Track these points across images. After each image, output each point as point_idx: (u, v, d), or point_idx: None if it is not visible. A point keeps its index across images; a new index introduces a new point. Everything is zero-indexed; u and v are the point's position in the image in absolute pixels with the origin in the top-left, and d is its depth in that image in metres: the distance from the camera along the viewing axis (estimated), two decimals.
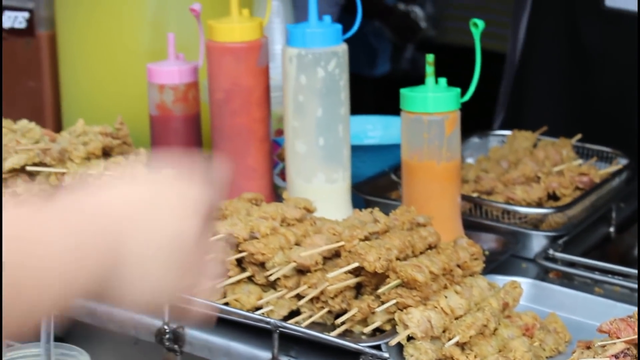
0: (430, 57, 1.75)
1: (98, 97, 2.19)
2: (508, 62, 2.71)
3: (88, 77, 2.20)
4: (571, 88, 2.52)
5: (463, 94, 1.76)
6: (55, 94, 2.27)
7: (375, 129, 2.31)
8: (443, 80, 1.76)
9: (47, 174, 1.79)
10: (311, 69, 1.79)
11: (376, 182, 1.99)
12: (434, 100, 1.72)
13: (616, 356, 1.33)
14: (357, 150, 2.11)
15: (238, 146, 1.87)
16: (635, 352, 1.33)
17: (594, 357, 1.34)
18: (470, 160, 2.18)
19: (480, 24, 1.77)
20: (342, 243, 1.55)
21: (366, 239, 1.57)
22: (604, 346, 1.36)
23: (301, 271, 1.55)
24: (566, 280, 1.75)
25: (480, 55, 1.78)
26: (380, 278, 1.52)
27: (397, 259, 1.53)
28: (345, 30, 1.86)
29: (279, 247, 1.57)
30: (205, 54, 1.89)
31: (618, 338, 1.34)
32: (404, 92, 1.74)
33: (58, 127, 2.21)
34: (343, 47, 1.81)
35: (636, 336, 1.34)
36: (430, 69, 1.74)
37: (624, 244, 2.03)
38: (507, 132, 2.21)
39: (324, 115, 1.81)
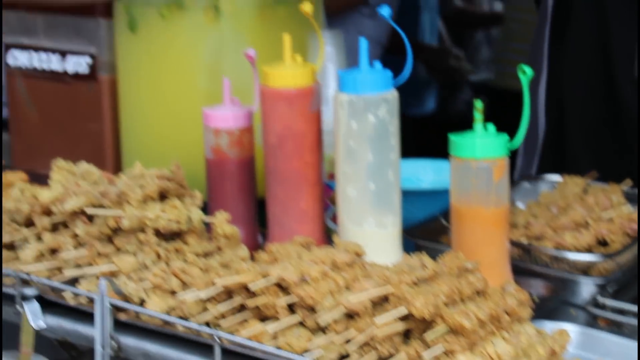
0: (478, 104, 1.74)
1: (156, 140, 2.21)
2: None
3: (147, 121, 2.22)
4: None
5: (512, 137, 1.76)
6: (116, 136, 2.29)
7: (427, 173, 2.30)
8: (492, 126, 1.75)
9: (104, 216, 1.80)
10: (362, 115, 1.78)
11: (427, 227, 1.98)
12: (481, 147, 1.71)
13: None
14: (409, 195, 2.11)
15: (291, 189, 1.87)
16: None
17: None
18: (520, 205, 2.15)
19: (529, 70, 1.76)
20: (390, 289, 1.54)
21: (414, 284, 1.56)
22: None
23: (350, 315, 1.54)
24: (615, 328, 1.71)
25: (528, 102, 1.77)
26: (428, 323, 1.51)
27: (445, 304, 1.52)
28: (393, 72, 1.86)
29: (328, 291, 1.56)
30: (260, 99, 1.90)
31: None
32: (452, 137, 1.74)
33: (118, 169, 2.22)
34: (393, 94, 1.81)
35: None
36: (478, 115, 1.73)
37: None
38: (558, 178, 2.19)
39: (374, 160, 1.80)
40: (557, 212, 2.02)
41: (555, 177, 2.21)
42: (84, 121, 2.33)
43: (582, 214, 1.98)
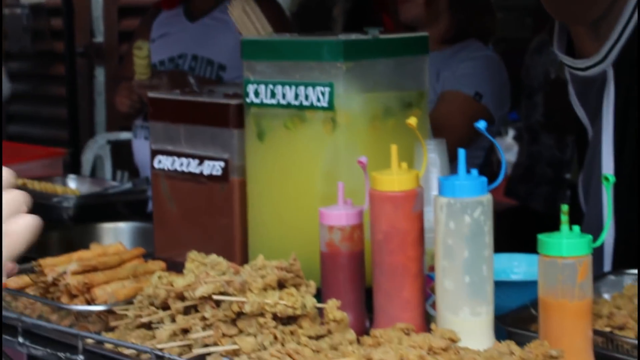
0: (564, 207, 1.73)
1: (278, 235, 2.22)
2: None
3: (270, 218, 2.24)
4: None
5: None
6: (244, 231, 2.32)
7: (520, 266, 2.27)
8: (577, 227, 1.73)
9: (229, 302, 1.82)
10: (459, 216, 1.78)
11: (518, 315, 1.95)
12: (567, 246, 1.70)
13: None
14: (503, 285, 2.08)
15: (395, 281, 1.87)
16: None
17: None
18: (606, 296, 2.11)
19: (612, 178, 1.74)
20: None
21: None
22: None
23: None
24: None
25: (611, 205, 1.75)
26: None
27: None
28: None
29: None
30: (369, 200, 1.91)
31: None
32: (540, 237, 1.72)
33: (245, 260, 2.24)
34: (488, 197, 1.80)
35: None
36: (564, 218, 1.72)
37: None
38: None
39: (469, 256, 1.79)
40: None
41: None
42: (216, 217, 2.37)
43: None
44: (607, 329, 1.89)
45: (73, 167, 5.37)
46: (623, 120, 2.47)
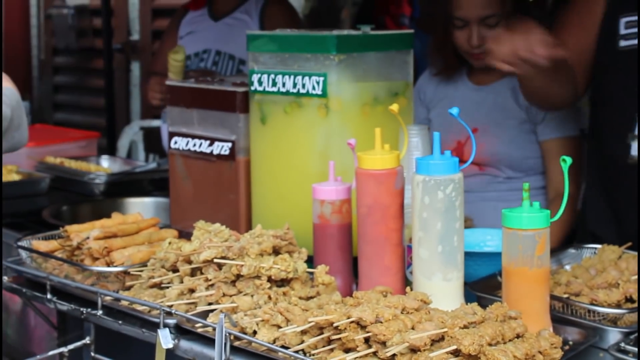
0: (526, 185, 1.73)
1: (277, 208, 2.24)
2: None
3: (271, 192, 2.25)
4: None
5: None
6: (248, 204, 2.33)
7: (493, 239, 2.27)
8: (537, 204, 1.73)
9: (229, 265, 1.84)
10: (433, 192, 1.78)
11: (487, 282, 1.95)
12: (527, 220, 1.69)
13: None
14: (476, 256, 2.09)
15: (377, 249, 1.87)
16: None
17: None
18: (567, 267, 2.11)
19: (568, 160, 1.74)
20: (445, 329, 1.53)
21: (465, 327, 1.55)
22: None
23: (413, 350, 1.54)
24: None
25: (568, 186, 1.75)
26: (474, 358, 1.49)
27: (489, 344, 1.50)
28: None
29: (397, 330, 1.56)
30: (356, 177, 1.91)
31: None
32: (504, 211, 1.72)
33: (249, 229, 2.23)
34: (459, 176, 1.80)
35: None
36: (526, 194, 1.72)
37: None
38: (599, 246, 2.14)
39: (442, 228, 1.79)
40: (595, 274, 1.98)
41: (597, 245, 2.16)
42: (224, 191, 2.38)
43: (615, 276, 1.94)
44: (565, 295, 1.89)
45: (110, 150, 5.41)
46: None
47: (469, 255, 2.04)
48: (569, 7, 2.54)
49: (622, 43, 2.36)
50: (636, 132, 2.35)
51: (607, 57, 2.36)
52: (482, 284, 1.94)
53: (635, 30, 2.33)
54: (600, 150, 2.52)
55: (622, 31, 2.36)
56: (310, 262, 1.96)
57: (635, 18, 2.34)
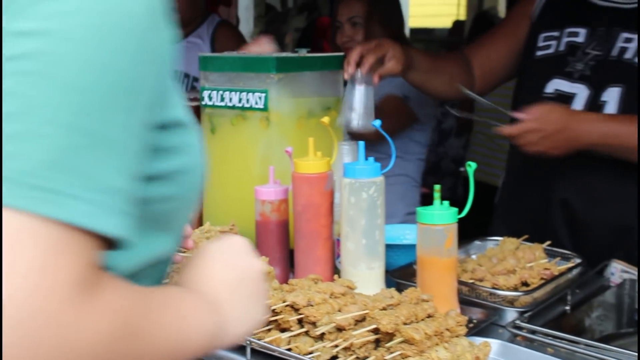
0: (437, 187, 1.76)
1: (225, 207, 2.23)
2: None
3: (220, 194, 2.25)
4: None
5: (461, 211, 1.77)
6: (200, 204, 2.32)
7: (411, 233, 2.30)
8: (446, 203, 1.76)
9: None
10: (358, 193, 1.81)
11: (405, 270, 1.97)
12: (438, 216, 1.72)
13: None
14: (396, 247, 2.12)
15: (310, 243, 1.89)
16: None
17: None
18: (473, 256, 2.15)
19: (473, 165, 1.78)
20: (366, 311, 1.56)
21: (384, 309, 1.57)
22: None
23: (340, 329, 1.56)
24: (529, 343, 1.71)
25: (473, 187, 1.79)
26: (392, 336, 1.52)
27: (404, 323, 1.53)
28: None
29: (326, 312, 1.58)
30: (292, 180, 1.93)
31: None
32: (418, 209, 1.75)
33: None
34: (380, 179, 1.83)
35: None
36: (437, 195, 1.75)
37: (576, 318, 1.98)
38: (500, 238, 2.18)
39: (365, 224, 1.82)
40: (496, 262, 2.02)
41: (499, 238, 2.21)
42: None
43: (513, 264, 1.98)
44: (471, 281, 1.93)
45: None
46: None
47: (390, 247, 2.08)
48: (502, 23, 2.69)
49: (538, 53, 2.46)
50: None
51: (526, 63, 2.47)
52: (401, 272, 1.97)
53: (550, 42, 2.46)
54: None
55: (540, 44, 2.47)
56: None
57: (552, 34, 2.46)
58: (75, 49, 0.73)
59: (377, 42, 2.32)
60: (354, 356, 1.52)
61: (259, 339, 1.59)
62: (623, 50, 2.29)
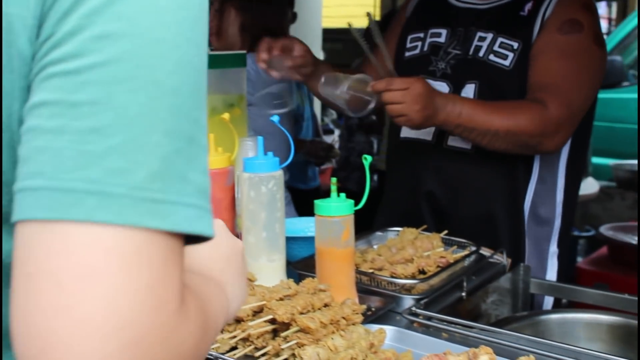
0: (333, 180, 1.78)
1: None
2: None
3: None
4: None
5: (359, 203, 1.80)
6: None
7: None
8: (343, 195, 1.78)
9: None
10: (257, 187, 1.82)
11: (306, 262, 1.99)
12: (334, 208, 1.75)
13: None
14: (299, 240, 2.14)
15: None
16: None
17: None
18: (375, 247, 2.19)
19: (369, 158, 1.80)
20: (264, 302, 1.57)
21: (281, 299, 1.59)
22: None
23: (238, 320, 1.57)
24: (425, 329, 1.74)
25: (369, 179, 1.82)
26: (288, 325, 1.53)
27: (300, 313, 1.55)
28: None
29: None
30: None
31: None
32: (316, 202, 1.77)
33: None
34: (279, 172, 1.84)
35: None
36: (333, 187, 1.77)
37: (472, 303, 2.03)
38: (400, 229, 2.22)
39: (265, 218, 1.83)
40: (395, 252, 2.06)
41: (399, 228, 2.24)
42: None
43: (411, 253, 2.02)
44: (370, 270, 1.96)
45: None
46: None
47: (294, 240, 2.10)
48: (388, 31, 2.72)
49: (406, 54, 2.54)
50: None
51: (398, 64, 2.52)
52: (303, 263, 1.99)
53: (416, 43, 2.54)
54: (392, 134, 2.66)
55: (407, 45, 2.55)
56: None
57: (418, 35, 2.54)
58: (162, 50, 0.69)
59: (286, 38, 2.36)
60: (252, 346, 1.53)
61: None
62: (478, 48, 2.37)
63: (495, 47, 2.34)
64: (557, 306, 2.45)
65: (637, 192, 2.31)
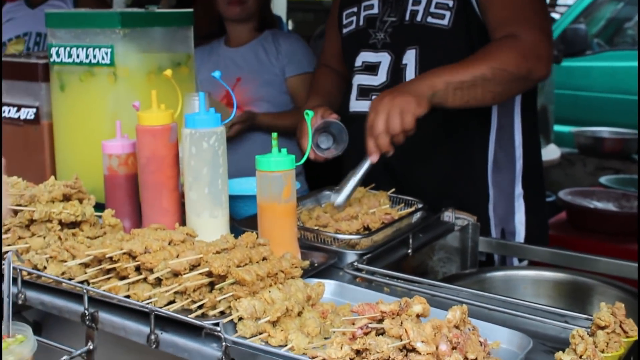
0: (274, 135, 1.75)
1: (77, 164, 2.17)
2: None
3: (70, 150, 2.20)
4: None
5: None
6: (53, 162, 2.26)
7: None
8: (284, 150, 1.76)
9: (23, 211, 1.79)
10: (199, 143, 1.79)
11: (251, 219, 1.95)
12: (275, 163, 1.72)
13: (361, 327, 1.32)
14: (245, 198, 2.12)
15: (156, 194, 1.86)
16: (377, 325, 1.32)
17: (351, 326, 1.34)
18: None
19: (311, 113, 1.78)
20: (201, 255, 1.55)
21: (218, 253, 1.57)
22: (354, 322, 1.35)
23: (176, 274, 1.54)
24: (367, 283, 1.74)
25: (311, 135, 1.79)
26: (225, 278, 1.51)
27: (237, 266, 1.53)
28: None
29: (163, 259, 1.56)
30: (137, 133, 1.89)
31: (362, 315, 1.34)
32: (257, 157, 1.74)
33: None
34: (221, 129, 1.81)
35: (376, 314, 1.33)
36: (274, 142, 1.75)
37: (417, 260, 2.02)
38: None
39: (207, 173, 1.80)
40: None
41: None
42: (32, 153, 2.30)
43: (356, 210, 2.01)
44: (316, 227, 1.95)
45: None
46: None
47: (240, 198, 2.08)
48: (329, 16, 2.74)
49: (344, 30, 2.54)
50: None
51: (341, 41, 2.54)
52: (247, 221, 1.98)
53: (351, 19, 2.54)
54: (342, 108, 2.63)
55: (344, 22, 2.55)
56: (99, 207, 1.93)
57: (352, 10, 2.54)
58: None
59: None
60: (189, 299, 1.51)
61: (98, 287, 1.56)
62: (414, 13, 2.34)
63: (432, 9, 2.30)
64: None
65: (638, 161, 2.31)
